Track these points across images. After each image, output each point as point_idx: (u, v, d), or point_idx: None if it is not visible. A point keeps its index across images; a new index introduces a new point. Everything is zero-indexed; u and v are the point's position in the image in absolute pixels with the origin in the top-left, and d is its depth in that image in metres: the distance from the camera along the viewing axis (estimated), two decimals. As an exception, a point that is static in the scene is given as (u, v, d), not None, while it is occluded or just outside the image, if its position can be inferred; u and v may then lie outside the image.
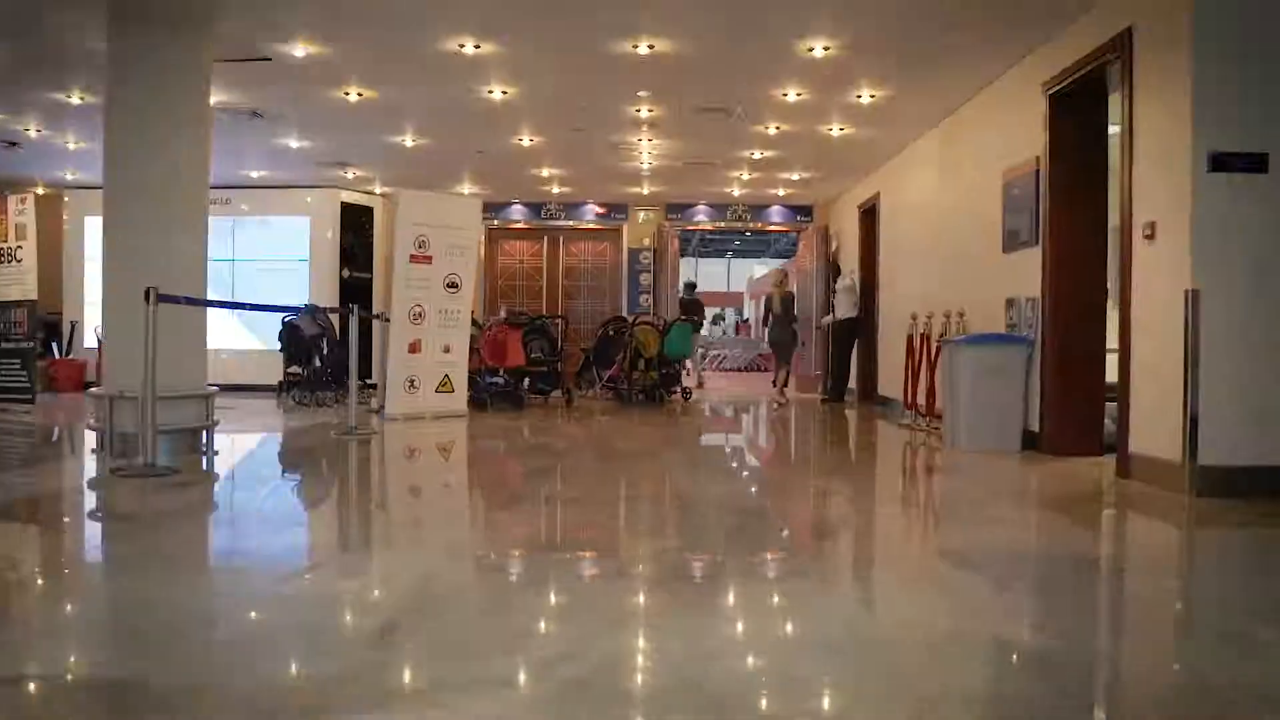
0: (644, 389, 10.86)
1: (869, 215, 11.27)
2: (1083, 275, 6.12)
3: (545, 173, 11.46)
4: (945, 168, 8.50)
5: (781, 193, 12.56)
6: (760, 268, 33.76)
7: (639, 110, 8.37)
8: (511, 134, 9.37)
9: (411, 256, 8.51)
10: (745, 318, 30.24)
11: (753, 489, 5.59)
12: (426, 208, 8.70)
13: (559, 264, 14.00)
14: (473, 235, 8.91)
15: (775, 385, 11.72)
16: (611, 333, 11.31)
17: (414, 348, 8.55)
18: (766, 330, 12.47)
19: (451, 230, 8.75)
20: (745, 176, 11.44)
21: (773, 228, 13.94)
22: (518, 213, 13.81)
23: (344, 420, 7.48)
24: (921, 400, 8.01)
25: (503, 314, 9.94)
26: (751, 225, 13.88)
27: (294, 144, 9.82)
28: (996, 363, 6.37)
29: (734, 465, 6.82)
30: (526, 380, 10.27)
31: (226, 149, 10.05)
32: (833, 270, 11.81)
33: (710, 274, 39.91)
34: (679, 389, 11.58)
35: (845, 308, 11.32)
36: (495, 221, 13.82)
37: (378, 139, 9.60)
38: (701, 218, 13.78)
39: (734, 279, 37.93)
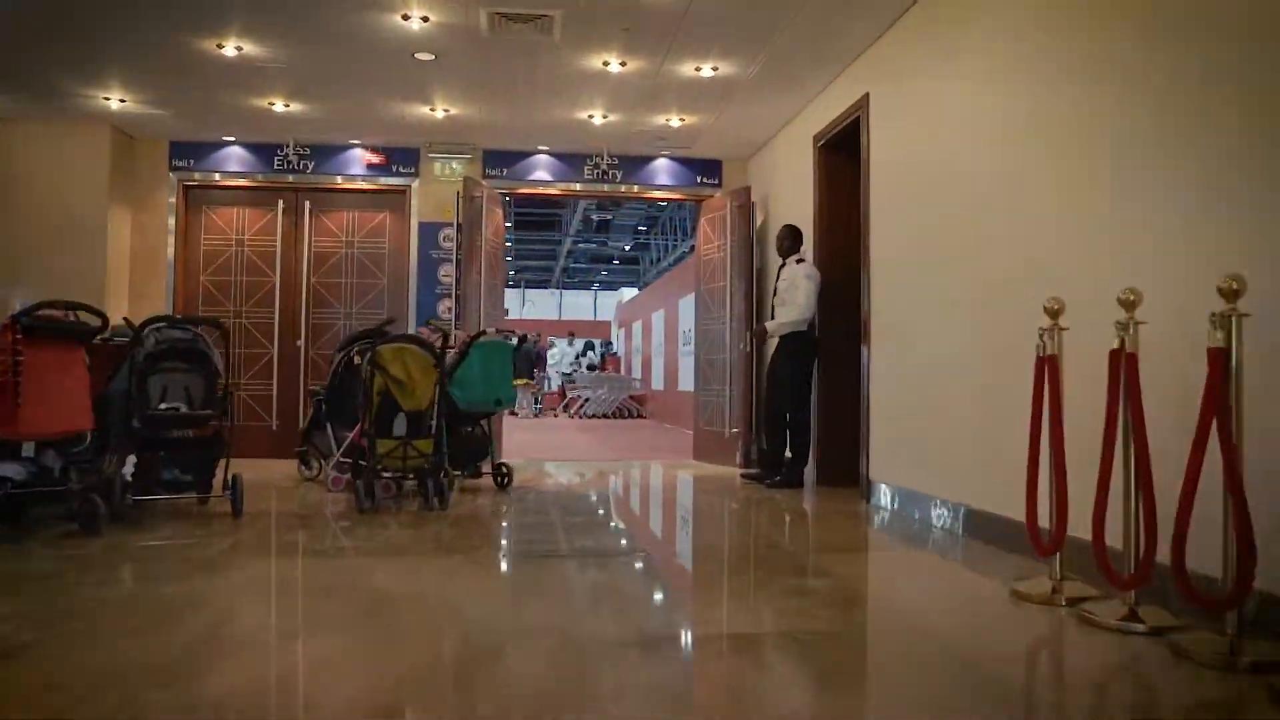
0: (410, 473, 5.34)
1: (843, 150, 6.26)
2: None
3: (231, 50, 5.90)
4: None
5: (675, 122, 7.36)
6: (630, 291, 28.85)
7: None
8: None
9: None
10: (613, 349, 25.00)
11: None
12: None
13: (304, 247, 8.32)
14: None
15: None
16: (355, 359, 5.80)
17: None
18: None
19: None
20: (614, 69, 6.15)
21: (658, 194, 8.68)
22: (235, 160, 8.16)
23: None
24: (1114, 539, 2.85)
25: (16, 306, 4.11)
26: (625, 190, 8.56)
27: None
28: None
29: None
30: (133, 463, 4.60)
31: None
32: (783, 244, 6.59)
33: (575, 305, 34.91)
34: (489, 467, 6.18)
35: (798, 310, 6.25)
36: (196, 174, 8.14)
37: None
38: (542, 174, 8.40)
39: (601, 308, 33.27)
